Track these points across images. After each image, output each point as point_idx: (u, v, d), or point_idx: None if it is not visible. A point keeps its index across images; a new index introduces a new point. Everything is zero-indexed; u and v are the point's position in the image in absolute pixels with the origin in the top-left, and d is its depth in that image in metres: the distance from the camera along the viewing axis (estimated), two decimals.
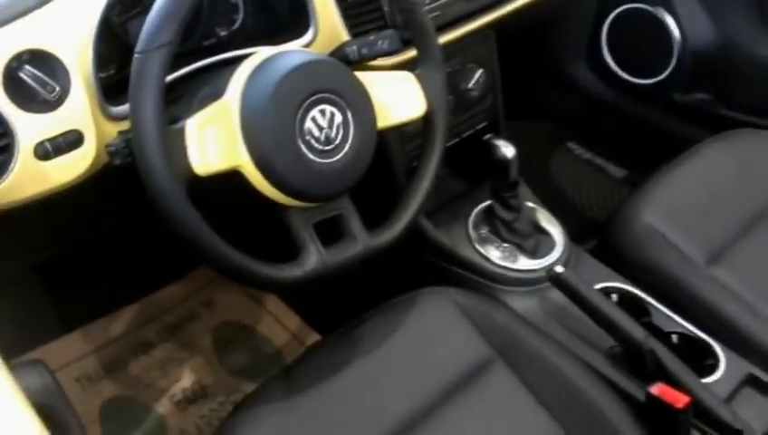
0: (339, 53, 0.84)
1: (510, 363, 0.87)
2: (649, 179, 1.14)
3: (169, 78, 0.75)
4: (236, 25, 0.91)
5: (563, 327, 0.97)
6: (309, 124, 0.69)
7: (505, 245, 1.04)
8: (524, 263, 1.02)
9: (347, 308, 0.99)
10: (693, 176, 1.14)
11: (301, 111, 0.69)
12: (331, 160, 0.71)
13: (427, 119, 0.81)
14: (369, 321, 0.91)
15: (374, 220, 0.80)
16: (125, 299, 1.40)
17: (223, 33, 0.90)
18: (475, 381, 0.86)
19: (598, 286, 1.01)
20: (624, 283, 1.03)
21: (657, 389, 0.83)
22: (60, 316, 1.37)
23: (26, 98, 0.70)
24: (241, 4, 0.90)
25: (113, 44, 0.79)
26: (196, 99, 0.73)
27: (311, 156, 0.70)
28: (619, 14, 1.47)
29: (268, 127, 0.67)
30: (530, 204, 1.08)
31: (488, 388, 0.86)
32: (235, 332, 1.35)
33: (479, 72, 1.10)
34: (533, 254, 1.03)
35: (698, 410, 0.83)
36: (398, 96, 0.78)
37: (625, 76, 1.52)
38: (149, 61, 0.63)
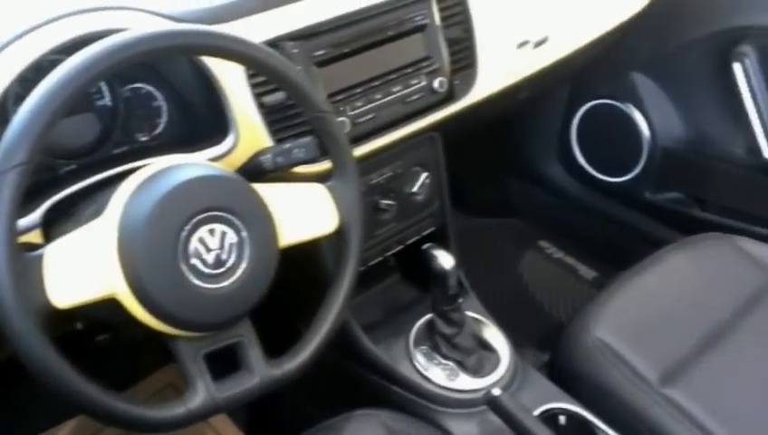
0: (253, 162, 0.80)
1: None
2: (605, 288, 1.08)
3: (65, 193, 0.72)
4: (159, 130, 0.88)
5: None
6: (195, 245, 0.64)
7: (446, 362, 0.98)
8: (465, 382, 0.95)
9: (289, 422, 0.94)
10: (651, 285, 1.08)
11: (185, 232, 0.64)
12: (222, 285, 0.66)
13: (339, 234, 0.77)
14: None
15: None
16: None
17: (143, 139, 0.87)
18: None
19: (543, 408, 0.94)
20: (572, 404, 0.95)
21: None
22: None
23: None
24: (165, 108, 0.88)
25: None
26: (82, 218, 0.69)
27: (196, 281, 0.64)
28: (588, 110, 1.45)
29: (144, 250, 0.62)
30: (475, 315, 1.03)
31: None
32: None
33: (424, 176, 1.06)
34: (476, 372, 0.96)
35: None
36: (307, 211, 0.74)
37: (595, 174, 1.48)
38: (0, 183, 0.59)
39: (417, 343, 1.01)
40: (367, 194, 1.01)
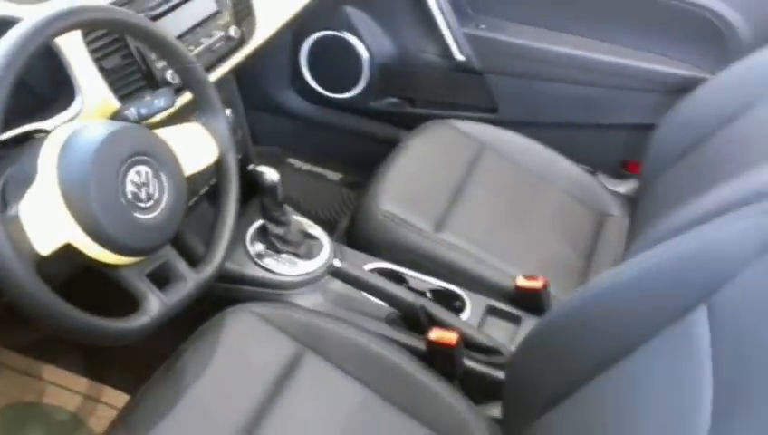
0: (119, 118, 0.90)
1: (317, 351, 1.03)
2: (376, 176, 1.39)
3: None
4: None
5: (348, 309, 1.16)
6: (130, 187, 0.77)
7: (283, 255, 1.19)
8: (304, 266, 1.18)
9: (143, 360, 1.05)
10: (407, 165, 1.40)
11: (120, 176, 0.76)
12: (155, 214, 0.80)
13: (219, 161, 0.93)
14: (186, 353, 0.99)
15: None
16: None
17: None
18: (292, 375, 0.99)
19: (365, 268, 1.22)
20: (379, 262, 1.25)
21: (433, 334, 1.07)
22: None
23: None
24: None
25: None
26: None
27: (137, 214, 0.78)
28: (314, 42, 1.70)
29: (93, 197, 0.73)
30: (294, 216, 1.25)
31: (305, 377, 1.00)
32: (21, 412, 1.30)
33: (228, 112, 1.23)
34: (309, 256, 1.20)
35: (465, 341, 1.09)
36: (194, 146, 0.89)
37: (327, 93, 1.76)
38: None
39: (254, 246, 1.21)
40: None
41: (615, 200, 1.47)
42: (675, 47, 1.45)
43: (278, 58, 1.74)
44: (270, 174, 1.13)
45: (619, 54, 1.49)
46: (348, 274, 1.13)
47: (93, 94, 0.91)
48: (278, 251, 1.19)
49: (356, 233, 1.32)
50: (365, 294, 1.17)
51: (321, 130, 1.80)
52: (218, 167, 0.94)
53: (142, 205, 0.78)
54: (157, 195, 0.80)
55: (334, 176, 1.82)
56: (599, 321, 0.82)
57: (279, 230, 1.18)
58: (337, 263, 1.13)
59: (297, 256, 1.19)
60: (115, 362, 1.34)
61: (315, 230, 1.24)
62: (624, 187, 1.53)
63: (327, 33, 1.67)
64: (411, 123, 1.66)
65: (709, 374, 0.64)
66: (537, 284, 1.17)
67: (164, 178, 0.81)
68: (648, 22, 1.45)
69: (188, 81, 0.91)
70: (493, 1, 1.57)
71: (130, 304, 0.82)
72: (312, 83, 1.75)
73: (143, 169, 0.79)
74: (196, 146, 0.90)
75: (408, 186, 1.36)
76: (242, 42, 1.17)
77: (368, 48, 1.66)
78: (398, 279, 1.22)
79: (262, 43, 1.21)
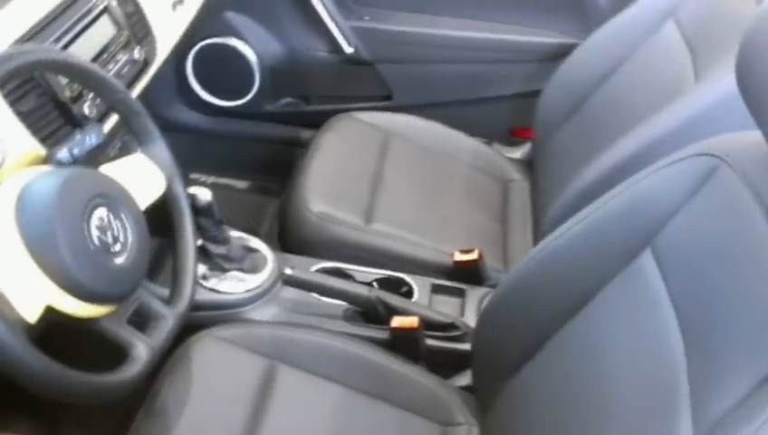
0: (53, 163, 0.86)
1: (288, 362, 1.05)
2: (296, 178, 1.41)
3: None
4: None
5: (305, 314, 1.19)
6: (95, 232, 0.75)
7: (229, 273, 1.20)
8: (253, 280, 1.19)
9: None
10: (324, 163, 1.43)
11: (85, 222, 0.74)
12: (125, 256, 0.78)
13: (167, 189, 0.92)
14: (161, 391, 0.98)
15: None
16: None
17: None
18: (270, 391, 1.01)
19: (312, 270, 1.25)
20: (322, 262, 1.28)
21: (395, 322, 1.13)
22: None
23: None
24: None
25: None
26: None
27: (109, 259, 0.76)
28: (198, 52, 1.68)
29: (64, 249, 0.70)
30: (231, 232, 1.25)
31: (283, 390, 1.02)
32: None
33: None
34: (255, 270, 1.21)
35: (423, 322, 1.15)
36: (141, 179, 0.88)
37: (220, 102, 1.74)
38: None
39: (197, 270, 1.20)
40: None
41: (513, 166, 1.59)
42: (546, 18, 1.58)
43: (162, 73, 1.70)
44: (202, 194, 1.12)
45: (496, 31, 1.60)
46: (300, 279, 1.16)
47: (15, 142, 0.86)
48: (223, 270, 1.19)
49: (290, 237, 1.35)
50: (317, 295, 1.20)
51: (219, 141, 1.79)
52: (167, 194, 0.93)
53: (111, 249, 0.77)
54: (122, 236, 0.79)
55: (242, 184, 1.81)
56: (554, 277, 0.91)
57: (221, 249, 1.17)
58: (288, 271, 1.15)
59: (243, 271, 1.20)
60: (72, 423, 1.28)
61: (255, 242, 1.25)
62: (519, 152, 1.65)
63: (211, 42, 1.65)
64: (310, 121, 1.70)
65: (669, 305, 0.74)
66: (474, 256, 1.26)
67: (124, 217, 0.80)
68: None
69: (123, 112, 0.89)
70: None
71: (115, 351, 0.81)
72: (203, 94, 1.73)
73: (103, 211, 0.77)
74: (145, 178, 0.89)
75: (331, 183, 1.40)
76: (146, 63, 1.15)
77: (255, 51, 1.66)
78: (344, 275, 1.26)
79: (163, 62, 1.19)
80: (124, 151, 0.94)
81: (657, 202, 0.79)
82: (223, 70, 1.69)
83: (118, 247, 0.77)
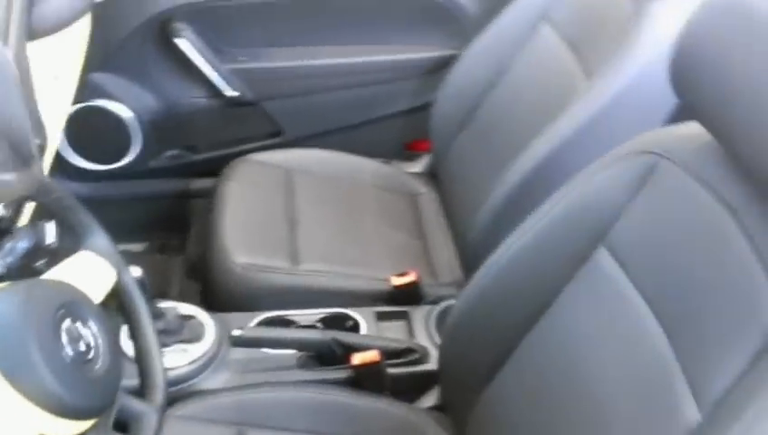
0: None
1: (256, 425, 1.02)
2: (209, 233, 1.35)
3: None
4: None
5: (259, 372, 1.14)
6: (68, 345, 0.69)
7: (170, 347, 1.13)
8: (197, 349, 1.13)
9: None
10: (235, 212, 1.39)
11: (57, 336, 0.67)
12: (101, 362, 0.72)
13: (117, 280, 0.85)
14: None
15: None
16: None
17: None
18: None
19: (252, 325, 1.21)
20: (260, 314, 1.24)
21: (356, 359, 1.11)
22: None
23: None
24: None
25: None
26: None
27: (87, 370, 0.70)
28: (68, 119, 1.55)
29: (44, 370, 0.64)
30: (163, 304, 1.18)
31: None
32: None
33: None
34: (197, 338, 1.15)
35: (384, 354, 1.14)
36: (92, 276, 0.81)
37: (98, 167, 1.63)
38: None
39: None
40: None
41: (417, 179, 1.63)
42: (421, 34, 1.61)
43: None
44: (133, 271, 1.05)
45: (375, 53, 1.62)
46: (249, 338, 1.11)
47: None
48: (164, 345, 1.12)
49: (218, 294, 1.29)
50: (266, 350, 1.16)
51: (107, 206, 1.64)
52: (118, 286, 0.86)
53: (87, 357, 0.71)
54: (93, 342, 0.72)
55: (138, 247, 1.70)
56: (512, 287, 0.94)
57: (158, 325, 1.10)
58: (236, 332, 1.10)
59: (184, 341, 1.14)
60: None
61: (187, 308, 1.19)
62: (418, 166, 1.69)
63: (78, 107, 1.54)
64: (201, 170, 1.64)
65: (638, 298, 0.78)
66: (412, 277, 1.27)
67: (90, 321, 0.74)
68: (392, 18, 1.60)
69: (59, 210, 0.82)
70: (241, 33, 1.59)
71: None
72: (78, 162, 1.61)
73: (69, 321, 0.71)
74: (95, 274, 0.82)
75: (249, 232, 1.36)
76: (42, 149, 1.06)
77: (130, 108, 1.57)
78: (287, 323, 1.23)
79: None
80: (60, 244, 0.86)
81: (602, 202, 0.83)
82: (96, 133, 1.58)
83: (92, 355, 0.71)
